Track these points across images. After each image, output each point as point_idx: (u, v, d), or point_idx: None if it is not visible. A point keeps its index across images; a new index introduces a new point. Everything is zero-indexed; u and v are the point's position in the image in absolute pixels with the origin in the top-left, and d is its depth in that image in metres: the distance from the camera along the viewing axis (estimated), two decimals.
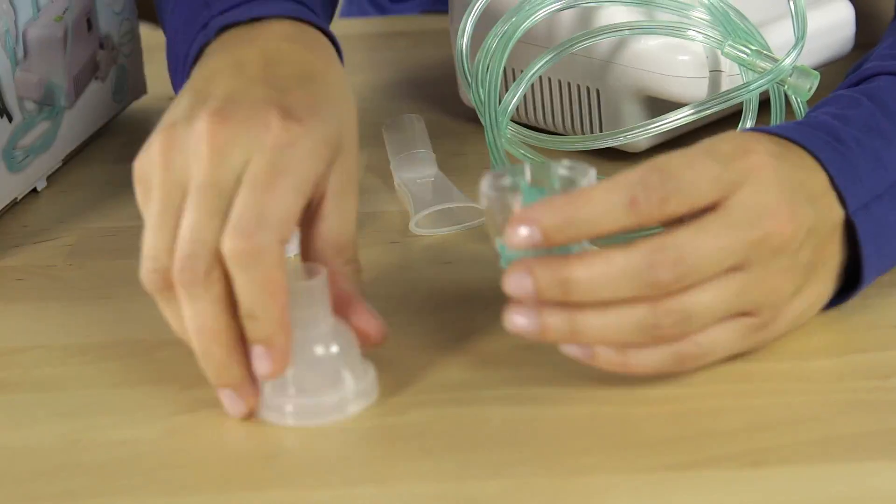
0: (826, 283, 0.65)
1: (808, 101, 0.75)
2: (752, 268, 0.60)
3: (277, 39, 0.68)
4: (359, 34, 1.04)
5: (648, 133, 0.74)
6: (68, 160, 0.88)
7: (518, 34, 0.77)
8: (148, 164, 0.62)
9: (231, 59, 0.67)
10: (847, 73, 0.76)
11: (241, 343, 0.60)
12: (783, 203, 0.60)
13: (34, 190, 0.84)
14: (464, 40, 0.79)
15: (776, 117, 0.75)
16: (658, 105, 0.79)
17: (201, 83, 0.65)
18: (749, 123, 0.75)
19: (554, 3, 0.76)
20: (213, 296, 0.59)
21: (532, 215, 0.57)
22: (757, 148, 0.60)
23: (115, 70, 0.91)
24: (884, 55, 0.75)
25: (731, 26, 0.74)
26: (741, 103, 0.75)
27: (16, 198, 0.82)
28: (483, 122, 0.76)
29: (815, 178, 0.64)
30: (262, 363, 0.59)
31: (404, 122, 0.85)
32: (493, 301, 0.68)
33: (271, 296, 0.58)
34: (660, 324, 0.58)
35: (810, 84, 0.72)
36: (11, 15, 0.79)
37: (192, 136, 0.61)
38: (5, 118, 0.79)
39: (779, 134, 0.65)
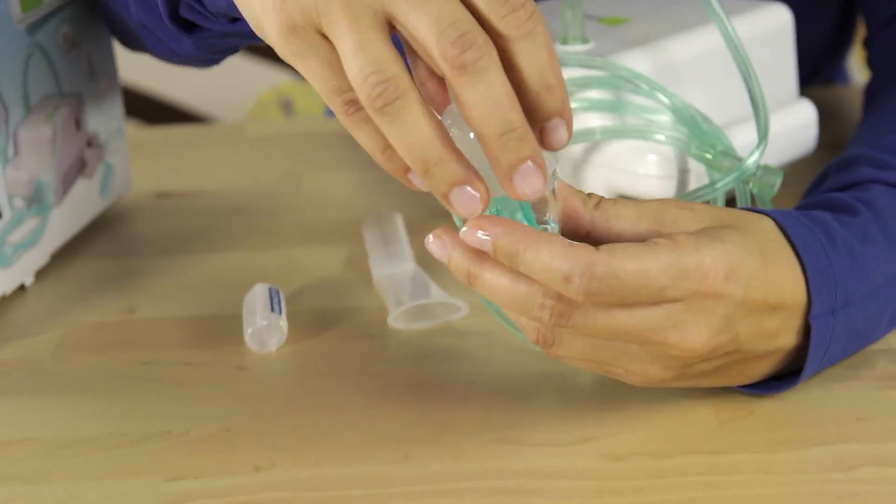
0: (734, 380, 0.67)
1: (773, 199, 0.77)
2: (638, 351, 0.63)
3: None
4: (339, 133, 1.06)
5: None
6: (56, 256, 0.88)
7: None
8: (310, 5, 0.57)
9: None
10: (831, 167, 0.78)
11: None
12: (705, 332, 0.62)
13: (22, 286, 0.84)
14: None
15: None
16: None
17: None
18: None
19: None
20: (498, 65, 0.56)
21: (494, 228, 0.60)
22: (718, 275, 0.61)
23: (101, 167, 0.92)
24: (874, 160, 0.77)
25: (697, 128, 0.76)
26: (708, 202, 0.77)
27: (4, 293, 0.82)
28: (455, 223, 0.77)
29: (786, 306, 0.65)
30: (562, 132, 0.58)
31: (383, 219, 0.86)
32: (470, 395, 0.70)
33: (557, 62, 0.57)
34: (538, 319, 0.61)
35: (774, 182, 0.75)
36: (3, 115, 0.80)
37: None
38: None
39: (785, 230, 0.66)
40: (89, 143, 0.90)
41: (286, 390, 0.71)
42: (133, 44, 0.92)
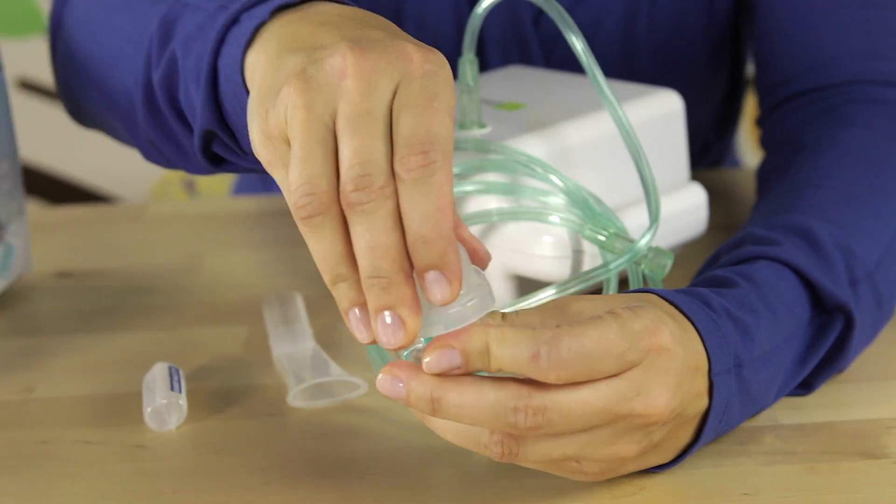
0: (666, 455, 0.69)
1: (665, 280, 0.79)
2: (604, 433, 0.64)
3: (338, 8, 0.68)
4: (243, 212, 1.07)
5: (516, 309, 0.78)
6: None
7: None
8: (282, 113, 0.62)
9: (316, 20, 0.67)
10: (723, 248, 0.81)
11: (408, 264, 0.60)
12: (665, 393, 0.65)
13: None
14: None
15: None
16: (525, 285, 0.83)
17: (301, 41, 0.65)
18: None
19: None
20: (386, 211, 0.59)
21: (456, 340, 0.61)
22: (663, 331, 0.64)
23: (1, 248, 0.92)
24: (761, 237, 0.80)
25: (590, 211, 0.79)
26: (602, 282, 0.79)
27: None
28: None
29: (701, 367, 0.68)
30: (438, 287, 0.59)
31: (283, 299, 0.87)
32: (368, 472, 0.71)
33: (444, 214, 0.59)
34: (514, 425, 0.62)
35: (665, 263, 0.77)
36: None
37: (332, 74, 0.61)
38: None
39: (671, 301, 0.69)
40: None
41: (185, 469, 0.72)
42: (101, 124, 0.94)
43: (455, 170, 0.80)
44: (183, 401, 0.76)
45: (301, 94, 0.61)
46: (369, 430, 0.75)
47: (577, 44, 0.77)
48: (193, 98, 0.77)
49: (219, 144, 0.78)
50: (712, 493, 0.68)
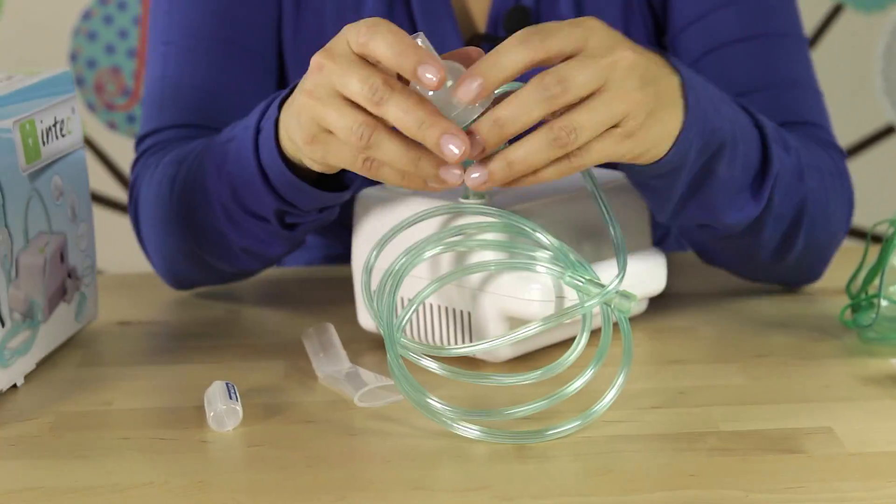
0: (673, 111, 0.87)
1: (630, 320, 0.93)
2: (613, 86, 0.82)
3: None
4: (266, 279, 1.19)
5: (509, 342, 0.90)
6: (41, 364, 0.98)
7: (408, 270, 0.92)
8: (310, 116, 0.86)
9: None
10: None
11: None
12: (628, 46, 0.84)
13: (14, 385, 0.95)
14: (368, 276, 0.93)
15: (605, 334, 0.91)
16: (516, 323, 0.93)
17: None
18: (584, 337, 0.90)
19: (436, 247, 0.93)
20: (394, 101, 0.82)
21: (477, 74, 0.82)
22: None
23: (77, 296, 1.04)
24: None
25: (570, 263, 0.93)
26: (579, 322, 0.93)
27: (2, 389, 0.93)
28: (383, 335, 0.89)
29: (665, 66, 0.88)
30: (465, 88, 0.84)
31: (319, 329, 0.98)
32: (388, 460, 0.83)
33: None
34: (559, 136, 0.81)
35: (629, 305, 0.92)
36: (8, 244, 0.93)
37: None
38: None
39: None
40: (69, 275, 1.02)
41: (241, 458, 0.85)
42: (204, 274, 1.13)
43: (458, 234, 0.94)
44: (239, 407, 0.88)
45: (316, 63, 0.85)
46: (389, 430, 0.87)
47: None
48: (259, 198, 0.96)
49: (290, 216, 0.97)
50: (666, 475, 0.80)
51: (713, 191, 0.95)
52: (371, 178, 0.87)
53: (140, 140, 1.17)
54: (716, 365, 0.98)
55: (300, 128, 0.87)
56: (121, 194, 1.84)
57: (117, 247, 1.74)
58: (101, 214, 1.83)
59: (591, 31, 0.84)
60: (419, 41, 0.85)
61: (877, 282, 0.99)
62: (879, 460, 0.83)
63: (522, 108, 0.82)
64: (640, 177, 0.95)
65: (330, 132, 0.86)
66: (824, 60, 1.72)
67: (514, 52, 0.82)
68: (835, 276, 1.11)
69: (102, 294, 1.11)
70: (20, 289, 0.96)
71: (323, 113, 0.85)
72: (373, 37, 0.83)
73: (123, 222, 1.81)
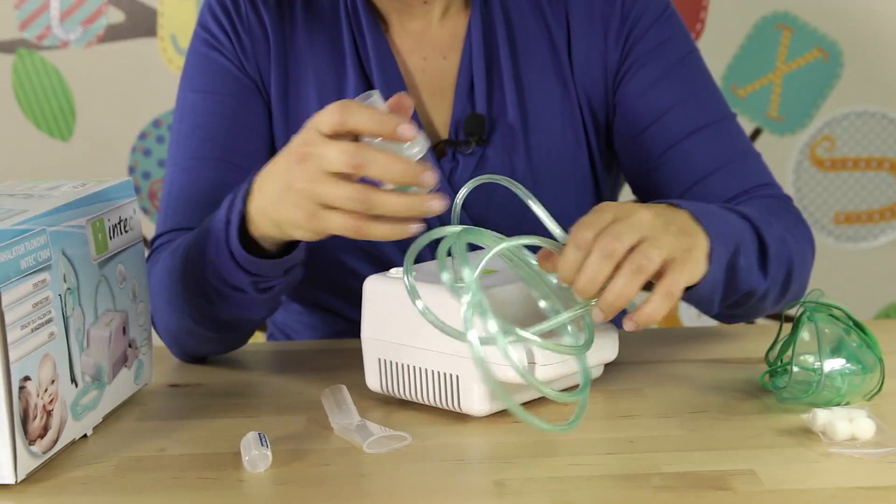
0: (699, 237, 0.91)
1: None
2: (648, 237, 0.87)
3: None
4: (275, 349, 1.21)
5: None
6: (106, 417, 1.00)
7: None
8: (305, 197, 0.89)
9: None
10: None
11: None
12: (642, 206, 0.90)
13: (85, 435, 0.96)
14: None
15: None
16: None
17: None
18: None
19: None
20: (373, 164, 0.85)
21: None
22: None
23: (136, 362, 1.05)
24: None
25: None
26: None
27: (74, 438, 0.95)
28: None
29: (670, 207, 0.93)
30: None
31: (335, 390, 0.99)
32: (393, 494, 0.85)
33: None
34: (639, 267, 0.86)
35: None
36: (82, 319, 0.95)
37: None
38: (74, 384, 0.94)
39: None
40: (130, 345, 1.04)
41: (271, 493, 0.86)
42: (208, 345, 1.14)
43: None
44: (269, 452, 0.89)
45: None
46: (392, 472, 0.88)
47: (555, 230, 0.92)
48: (233, 274, 0.99)
49: (261, 282, 1.00)
50: None
51: (739, 281, 1.00)
52: (363, 238, 0.87)
53: (152, 241, 1.19)
54: (659, 419, 0.99)
55: (298, 209, 0.88)
56: None
57: None
58: None
59: (612, 210, 0.89)
60: (375, 97, 0.87)
61: (790, 352, 1.00)
62: (792, 496, 0.84)
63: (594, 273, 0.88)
64: (692, 297, 0.98)
65: (327, 207, 0.87)
66: None
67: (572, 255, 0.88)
68: (756, 348, 1.12)
69: (156, 361, 1.11)
70: (90, 356, 0.98)
71: (320, 192, 0.86)
72: (349, 115, 0.85)
73: None
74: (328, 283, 1.22)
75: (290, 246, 1.00)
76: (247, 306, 1.04)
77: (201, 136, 1.17)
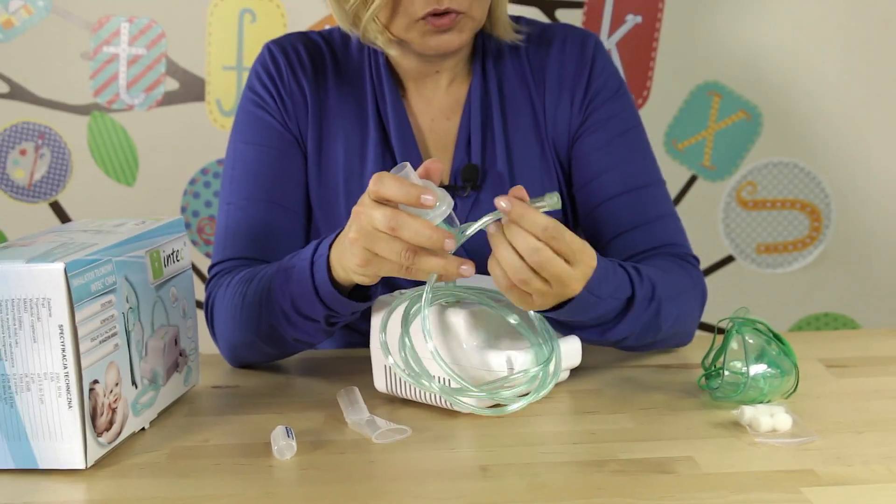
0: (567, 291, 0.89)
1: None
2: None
3: None
4: (305, 357, 1.19)
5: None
6: (161, 413, 0.99)
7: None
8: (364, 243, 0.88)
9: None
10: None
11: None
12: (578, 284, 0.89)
13: (143, 428, 0.96)
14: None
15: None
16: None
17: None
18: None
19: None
20: (405, 228, 0.85)
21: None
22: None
23: (186, 368, 1.04)
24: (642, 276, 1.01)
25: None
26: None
27: (134, 430, 0.94)
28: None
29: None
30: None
31: (349, 390, 0.98)
32: (397, 478, 0.84)
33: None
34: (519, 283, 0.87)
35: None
36: (141, 332, 0.94)
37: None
38: (134, 386, 0.93)
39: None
40: (181, 354, 1.03)
41: (296, 476, 0.85)
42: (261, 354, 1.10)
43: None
44: (294, 443, 0.88)
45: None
46: (396, 459, 0.87)
47: None
48: (312, 307, 0.98)
49: (332, 318, 0.99)
50: (583, 488, 0.81)
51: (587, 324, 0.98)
52: (410, 277, 0.88)
53: (211, 268, 1.17)
54: (615, 414, 0.98)
55: (355, 256, 0.89)
56: None
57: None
58: (201, 314, 1.84)
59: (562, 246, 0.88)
60: (407, 169, 0.87)
61: (722, 359, 0.99)
62: (726, 478, 0.83)
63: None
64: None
65: (377, 255, 0.87)
66: (685, 212, 1.76)
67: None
68: (694, 355, 1.12)
69: (202, 367, 1.11)
70: (148, 363, 0.97)
71: (371, 245, 0.87)
72: (381, 186, 0.85)
73: None
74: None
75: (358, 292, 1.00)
76: (311, 333, 1.04)
77: (253, 180, 1.16)
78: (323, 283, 0.97)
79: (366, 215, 0.86)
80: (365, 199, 0.88)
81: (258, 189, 1.16)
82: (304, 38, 1.21)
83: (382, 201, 0.87)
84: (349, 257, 0.91)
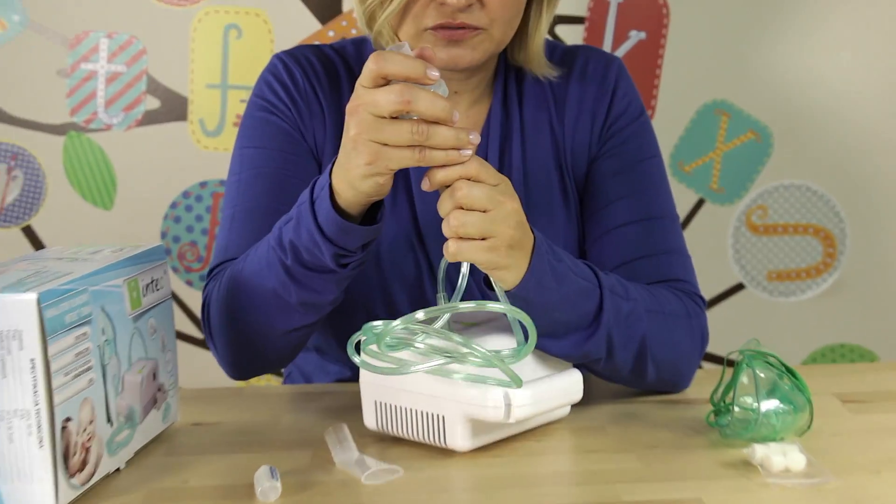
0: (521, 259, 0.89)
1: None
2: (497, 214, 0.87)
3: None
4: (292, 392, 1.19)
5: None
6: (137, 453, 0.98)
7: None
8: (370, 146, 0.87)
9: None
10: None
11: None
12: (518, 200, 0.90)
13: (118, 469, 0.95)
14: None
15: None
16: (478, 424, 0.94)
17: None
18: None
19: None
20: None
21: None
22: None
23: (164, 404, 1.03)
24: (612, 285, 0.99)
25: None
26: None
27: (109, 471, 0.93)
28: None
29: (530, 230, 0.91)
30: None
31: (337, 427, 0.98)
32: None
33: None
34: (452, 228, 0.88)
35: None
36: (118, 366, 0.94)
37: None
38: (109, 423, 0.92)
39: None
40: (159, 389, 1.02)
41: None
42: (259, 357, 1.09)
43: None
44: (279, 484, 0.88)
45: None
46: (386, 501, 0.87)
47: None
48: (318, 249, 0.94)
49: (342, 258, 0.96)
50: None
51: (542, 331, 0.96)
52: (424, 165, 0.88)
53: (210, 271, 1.14)
54: (619, 453, 0.98)
55: (360, 154, 0.87)
56: (195, 332, 1.84)
57: (193, 370, 1.75)
58: (181, 346, 1.84)
59: (503, 179, 0.88)
60: (406, 47, 0.87)
61: (731, 394, 0.99)
62: None
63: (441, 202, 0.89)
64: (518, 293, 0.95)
65: (386, 145, 0.87)
66: (692, 237, 1.76)
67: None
68: (702, 390, 1.12)
69: (182, 403, 1.10)
70: (124, 399, 0.96)
71: (377, 133, 0.86)
72: (385, 62, 0.85)
73: (197, 352, 1.82)
74: (343, 335, 1.20)
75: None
76: (318, 289, 1.00)
77: (262, 182, 1.14)
78: (326, 213, 0.94)
79: (367, 103, 0.85)
80: (360, 91, 0.87)
81: (268, 192, 1.14)
82: (317, 50, 1.21)
83: (383, 82, 0.86)
84: (354, 159, 0.89)
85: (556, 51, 1.22)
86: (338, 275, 0.99)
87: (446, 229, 0.88)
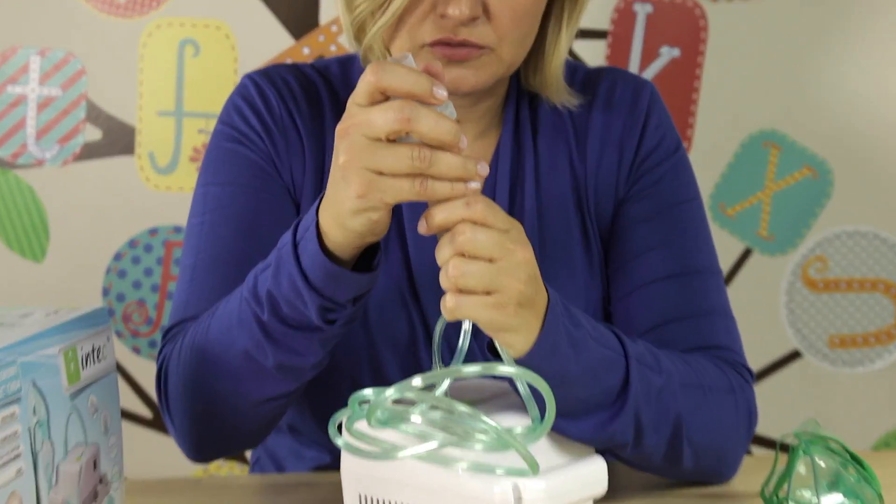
0: (534, 320, 0.89)
1: None
2: (505, 264, 0.86)
3: None
4: (262, 483, 1.19)
5: None
6: None
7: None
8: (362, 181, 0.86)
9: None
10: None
11: None
12: (531, 251, 0.88)
13: None
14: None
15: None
16: None
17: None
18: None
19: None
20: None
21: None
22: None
23: (107, 499, 1.02)
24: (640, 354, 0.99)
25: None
26: None
27: None
28: None
29: (543, 285, 0.91)
30: None
31: None
32: None
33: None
34: (453, 277, 0.86)
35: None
36: (52, 454, 0.93)
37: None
38: None
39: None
40: (101, 480, 1.01)
41: None
42: (225, 429, 1.08)
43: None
44: None
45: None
46: None
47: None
48: (301, 302, 0.94)
49: (329, 313, 0.95)
50: None
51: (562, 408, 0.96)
52: (424, 199, 0.87)
53: (167, 331, 1.14)
54: None
55: (350, 185, 0.86)
56: (143, 410, 1.85)
57: (141, 455, 1.74)
58: (127, 428, 1.84)
59: (514, 224, 0.88)
60: (409, 59, 0.86)
61: (786, 487, 0.99)
62: None
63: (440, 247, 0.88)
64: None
65: (381, 174, 0.86)
66: (738, 294, 1.76)
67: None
68: (751, 481, 1.12)
69: (128, 497, 1.09)
70: (59, 493, 0.95)
71: (371, 160, 0.85)
72: (384, 73, 0.84)
73: (146, 434, 1.82)
74: (322, 410, 1.20)
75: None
76: (299, 350, 0.98)
77: (231, 224, 1.13)
78: (313, 257, 0.92)
79: (360, 123, 0.84)
80: (353, 109, 0.85)
81: (237, 237, 1.13)
82: (295, 70, 1.21)
83: (381, 98, 0.86)
84: (343, 191, 0.88)
85: (578, 73, 1.23)
86: (323, 333, 0.98)
87: (444, 280, 0.87)
